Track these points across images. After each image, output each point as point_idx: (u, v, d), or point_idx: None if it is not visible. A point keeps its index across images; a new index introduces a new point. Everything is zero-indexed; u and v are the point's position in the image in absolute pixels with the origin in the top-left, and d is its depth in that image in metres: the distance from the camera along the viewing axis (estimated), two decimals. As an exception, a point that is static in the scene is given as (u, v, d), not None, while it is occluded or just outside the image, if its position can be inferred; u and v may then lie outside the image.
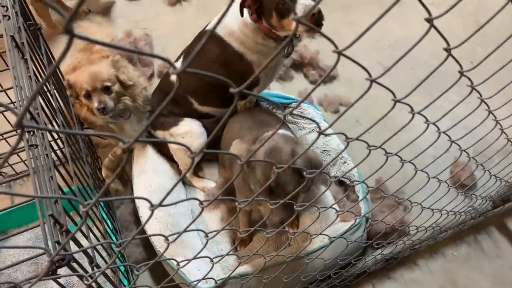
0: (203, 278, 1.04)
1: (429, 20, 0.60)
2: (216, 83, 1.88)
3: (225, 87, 1.97)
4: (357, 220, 1.73)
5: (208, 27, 1.88)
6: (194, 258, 0.91)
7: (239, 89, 0.52)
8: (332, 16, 3.17)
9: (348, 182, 2.04)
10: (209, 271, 1.02)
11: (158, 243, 1.83)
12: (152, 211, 0.62)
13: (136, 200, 2.04)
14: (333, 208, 1.09)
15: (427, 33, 0.63)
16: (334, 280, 1.76)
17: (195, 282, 1.27)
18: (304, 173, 0.86)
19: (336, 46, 0.59)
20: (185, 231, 0.75)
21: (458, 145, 1.13)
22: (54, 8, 0.33)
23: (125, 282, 1.78)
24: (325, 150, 2.16)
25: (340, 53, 0.59)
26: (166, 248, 0.78)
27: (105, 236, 1.62)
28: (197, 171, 2.27)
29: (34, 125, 0.85)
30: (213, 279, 1.14)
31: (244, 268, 1.63)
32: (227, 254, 1.00)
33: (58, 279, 0.96)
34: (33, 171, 0.99)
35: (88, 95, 1.84)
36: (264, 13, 1.65)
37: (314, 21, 1.51)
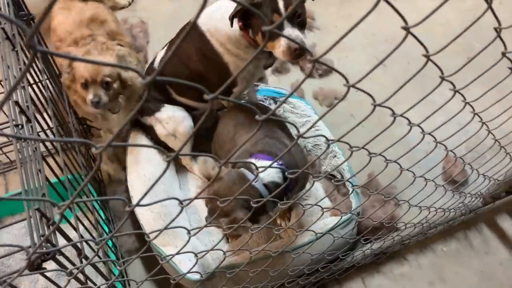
0: (188, 272, 1.05)
1: (406, 29, 0.60)
2: (191, 77, 1.89)
3: (203, 81, 1.96)
4: (343, 217, 1.75)
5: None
6: (177, 253, 0.92)
7: (213, 96, 0.53)
8: (330, 9, 3.15)
9: (338, 177, 2.05)
10: (193, 266, 1.04)
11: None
12: (131, 210, 0.63)
13: (130, 190, 2.05)
14: (318, 205, 1.10)
15: (403, 41, 0.63)
16: (323, 273, 1.78)
17: (180, 275, 1.28)
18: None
19: (311, 55, 0.59)
20: (166, 228, 0.76)
21: (444, 145, 1.14)
22: (21, 27, 0.34)
23: (116, 271, 1.80)
24: (316, 145, 2.17)
25: (315, 61, 0.59)
26: (147, 246, 0.79)
27: (96, 226, 1.64)
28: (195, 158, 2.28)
29: (11, 134, 0.86)
30: (199, 272, 1.15)
31: (231, 261, 1.65)
32: (212, 249, 1.01)
33: (46, 272, 0.97)
34: (20, 164, 1.00)
35: (86, 85, 1.85)
36: (251, 28, 1.67)
37: (296, 56, 1.55)
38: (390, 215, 1.78)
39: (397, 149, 1.01)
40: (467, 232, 2.17)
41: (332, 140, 0.81)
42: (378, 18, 2.90)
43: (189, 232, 0.87)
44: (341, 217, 1.36)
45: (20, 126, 1.08)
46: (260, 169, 0.79)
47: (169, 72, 1.94)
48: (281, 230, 1.16)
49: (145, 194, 0.65)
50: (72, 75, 1.89)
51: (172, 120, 2.05)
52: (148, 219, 1.91)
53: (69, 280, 0.79)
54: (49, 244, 0.93)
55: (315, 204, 1.07)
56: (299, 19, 1.57)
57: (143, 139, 2.19)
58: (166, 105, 2.07)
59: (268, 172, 1.38)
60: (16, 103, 1.09)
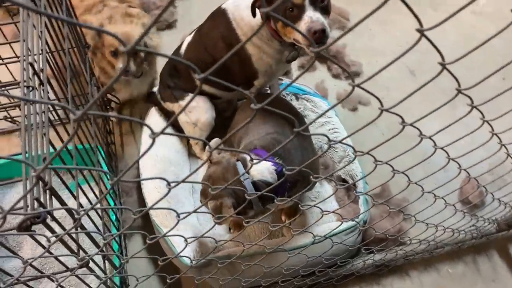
0: (176, 256, 1.04)
1: (420, 31, 0.57)
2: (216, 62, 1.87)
3: (225, 70, 1.94)
4: (348, 224, 1.70)
5: (224, 6, 1.84)
6: (164, 235, 0.91)
7: (203, 76, 0.50)
8: (366, 11, 3.04)
9: (350, 182, 2.00)
10: (182, 250, 1.03)
11: (154, 212, 1.85)
12: (113, 185, 0.62)
13: (141, 167, 2.05)
14: (318, 207, 1.07)
15: (417, 43, 0.60)
16: (320, 277, 1.75)
17: (168, 258, 1.28)
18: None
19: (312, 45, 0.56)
20: (151, 208, 0.75)
21: (457, 163, 1.09)
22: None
23: (116, 246, 1.81)
24: (332, 147, 2.12)
25: (318, 53, 0.56)
26: (128, 225, 0.78)
27: (101, 199, 1.64)
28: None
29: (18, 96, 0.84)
30: (189, 257, 1.15)
31: (230, 251, 1.64)
32: (202, 236, 1.00)
33: (36, 235, 0.98)
34: (25, 127, 1.01)
35: (115, 54, 1.98)
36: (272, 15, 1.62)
37: (316, 38, 1.49)
38: (397, 228, 1.73)
39: (417, 158, 0.99)
40: (476, 256, 2.10)
41: (333, 141, 0.78)
42: (415, 26, 2.82)
43: (178, 215, 0.86)
44: (342, 222, 1.32)
45: (31, 88, 1.08)
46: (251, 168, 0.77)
47: (192, 57, 1.93)
48: (278, 227, 1.14)
49: (126, 171, 0.63)
50: (101, 42, 1.98)
51: (195, 110, 2.05)
52: (153, 199, 1.91)
53: (49, 245, 0.78)
54: (41, 208, 0.93)
55: (314, 205, 1.04)
56: (323, 4, 1.53)
57: (161, 121, 2.19)
58: (190, 94, 2.07)
59: (260, 170, 1.35)
60: (31, 64, 1.09)
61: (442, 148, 0.97)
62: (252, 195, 1.04)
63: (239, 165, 1.36)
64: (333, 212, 1.15)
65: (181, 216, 0.85)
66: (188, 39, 2.01)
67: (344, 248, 1.65)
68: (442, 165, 1.10)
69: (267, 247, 1.25)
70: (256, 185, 1.35)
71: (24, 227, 0.89)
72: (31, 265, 0.99)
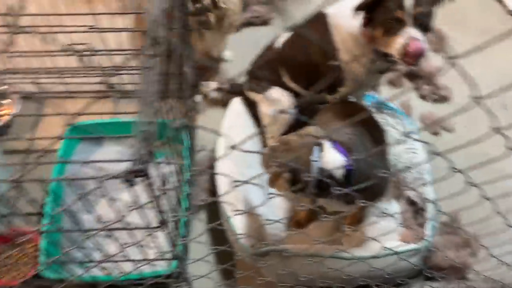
0: (242, 235, 1.10)
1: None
2: (308, 63, 1.90)
3: (315, 71, 1.98)
4: (412, 246, 1.68)
5: (325, 10, 1.87)
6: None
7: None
8: (468, 39, 2.95)
9: (420, 205, 1.96)
10: (245, 235, 1.08)
11: (225, 198, 1.92)
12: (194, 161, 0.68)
13: (218, 153, 2.14)
14: (391, 215, 1.08)
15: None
16: (374, 292, 1.74)
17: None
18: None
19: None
20: (245, 181, 0.81)
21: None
22: None
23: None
24: (408, 167, 2.09)
25: (452, 58, 0.58)
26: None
27: (179, 172, 1.76)
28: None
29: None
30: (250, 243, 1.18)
31: (287, 247, 1.67)
32: (267, 224, 1.04)
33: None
34: (140, 93, 1.12)
35: None
36: (373, 22, 1.63)
37: (412, 55, 1.49)
38: (462, 260, 1.67)
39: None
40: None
41: (436, 152, 0.79)
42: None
43: (267, 198, 0.91)
44: (404, 243, 1.30)
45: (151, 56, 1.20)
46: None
47: (288, 54, 1.99)
48: (349, 229, 1.16)
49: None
50: None
51: (278, 104, 2.08)
52: (224, 182, 1.96)
53: (156, 195, 0.86)
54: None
55: (385, 214, 1.05)
56: (424, 21, 1.52)
57: (242, 110, 2.27)
58: (276, 87, 2.11)
59: (331, 161, 1.37)
60: (153, 37, 1.21)
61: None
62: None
63: (316, 149, 1.39)
64: (400, 225, 1.14)
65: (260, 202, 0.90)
66: (285, 35, 2.06)
67: (407, 268, 1.63)
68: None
69: (327, 251, 1.27)
70: (321, 172, 1.36)
71: (131, 176, 1.01)
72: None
